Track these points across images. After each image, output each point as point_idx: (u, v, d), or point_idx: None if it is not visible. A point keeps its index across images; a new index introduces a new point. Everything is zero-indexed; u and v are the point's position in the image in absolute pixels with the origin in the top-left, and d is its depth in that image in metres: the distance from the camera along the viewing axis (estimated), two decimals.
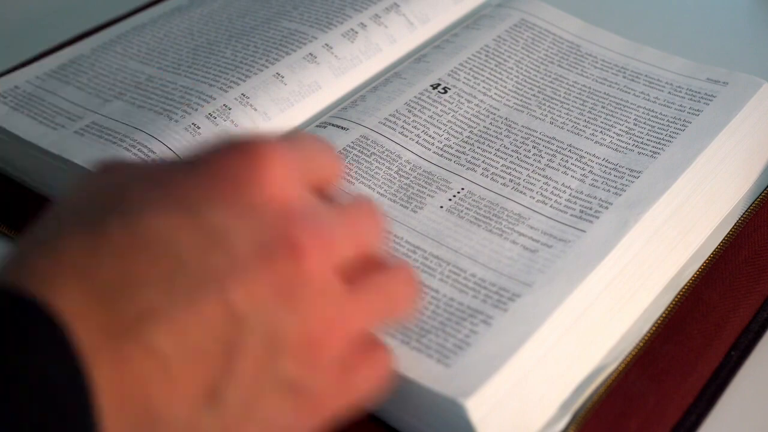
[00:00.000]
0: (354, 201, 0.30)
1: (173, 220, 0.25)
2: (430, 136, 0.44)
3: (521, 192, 0.40)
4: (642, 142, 0.43)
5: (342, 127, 0.44)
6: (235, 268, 0.25)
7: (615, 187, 0.40)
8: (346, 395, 0.28)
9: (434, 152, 0.43)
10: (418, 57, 0.50)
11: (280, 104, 0.46)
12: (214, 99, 0.46)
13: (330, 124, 0.45)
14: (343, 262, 0.28)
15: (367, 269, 0.29)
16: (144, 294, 0.24)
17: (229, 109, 0.45)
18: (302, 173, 0.28)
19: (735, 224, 0.42)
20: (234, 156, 0.27)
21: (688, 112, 0.44)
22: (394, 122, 0.44)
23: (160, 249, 0.25)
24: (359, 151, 0.43)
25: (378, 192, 0.41)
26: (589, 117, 0.45)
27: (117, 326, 0.23)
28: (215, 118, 0.45)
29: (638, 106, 0.45)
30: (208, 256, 0.25)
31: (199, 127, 0.44)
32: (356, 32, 0.51)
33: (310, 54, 0.49)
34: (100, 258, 0.24)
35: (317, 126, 0.45)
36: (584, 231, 0.38)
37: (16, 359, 0.22)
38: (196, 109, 0.45)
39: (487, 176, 0.41)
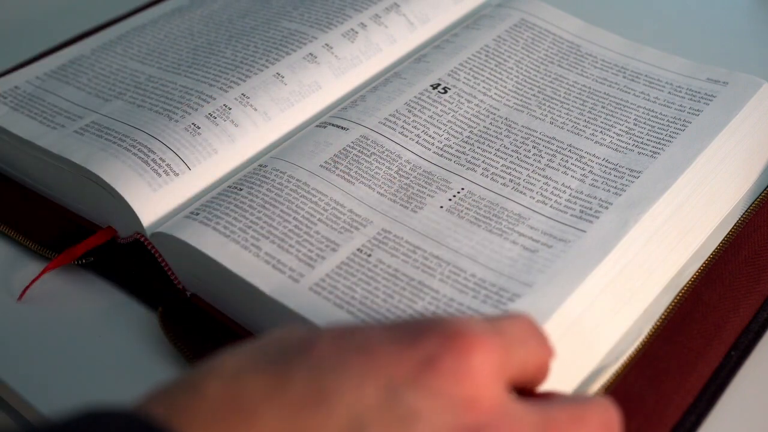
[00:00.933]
0: (555, 404, 0.29)
1: (368, 390, 0.25)
2: (430, 136, 0.44)
3: (521, 192, 0.40)
4: (642, 142, 0.43)
5: (342, 127, 0.44)
6: None
7: (615, 187, 0.40)
8: None
9: (434, 152, 0.43)
10: (418, 57, 0.50)
11: (280, 104, 0.46)
12: (214, 99, 0.46)
13: (330, 124, 0.45)
14: None
15: None
16: None
17: (229, 109, 0.45)
18: (504, 368, 0.27)
19: (735, 224, 0.42)
20: (440, 341, 0.26)
21: (688, 112, 0.44)
22: (394, 122, 0.44)
23: (342, 412, 0.24)
24: (359, 151, 0.43)
25: (378, 192, 0.41)
26: (589, 117, 0.45)
27: None
28: (215, 118, 0.45)
29: (638, 106, 0.45)
30: None
31: (199, 127, 0.44)
32: (356, 32, 0.51)
33: (310, 54, 0.49)
34: (278, 408, 0.24)
35: (317, 126, 0.45)
36: (584, 231, 0.38)
37: None
38: (196, 109, 0.45)
39: (487, 176, 0.41)
